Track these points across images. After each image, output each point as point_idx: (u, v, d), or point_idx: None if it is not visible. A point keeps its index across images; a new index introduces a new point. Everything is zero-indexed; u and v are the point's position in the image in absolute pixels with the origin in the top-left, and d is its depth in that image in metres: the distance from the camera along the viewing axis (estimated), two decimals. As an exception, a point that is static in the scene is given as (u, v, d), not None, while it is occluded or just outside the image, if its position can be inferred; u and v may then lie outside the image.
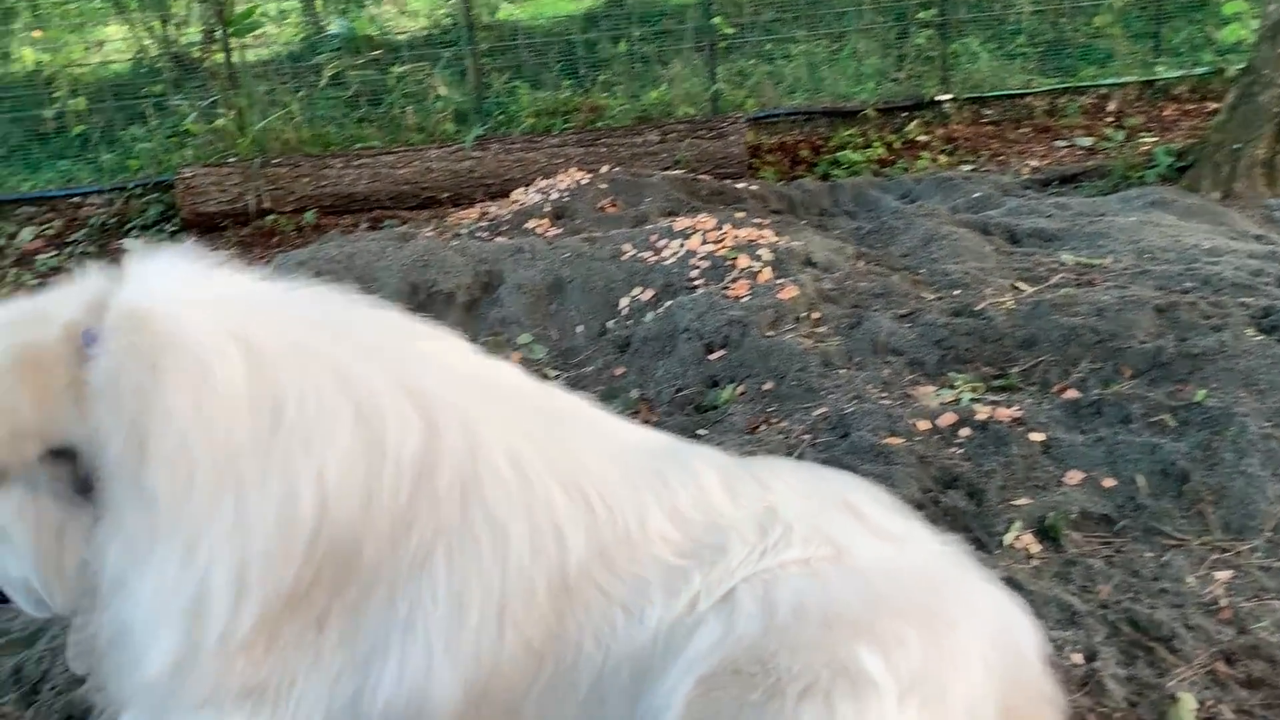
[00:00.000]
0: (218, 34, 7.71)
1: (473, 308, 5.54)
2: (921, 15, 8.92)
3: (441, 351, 2.04)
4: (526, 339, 5.26)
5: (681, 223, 5.58)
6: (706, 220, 5.54)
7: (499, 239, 6.37)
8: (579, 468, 1.94)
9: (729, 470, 2.07)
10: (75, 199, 8.17)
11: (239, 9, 7.63)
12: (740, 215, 5.77)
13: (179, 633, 1.73)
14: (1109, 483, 3.41)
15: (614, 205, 7.00)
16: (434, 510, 1.82)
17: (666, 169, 7.61)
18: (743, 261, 5.15)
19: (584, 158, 7.72)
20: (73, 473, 1.71)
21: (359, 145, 7.88)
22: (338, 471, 1.75)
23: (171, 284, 1.81)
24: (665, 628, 1.87)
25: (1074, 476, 3.46)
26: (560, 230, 6.61)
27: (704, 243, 5.37)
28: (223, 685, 1.78)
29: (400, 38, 9.08)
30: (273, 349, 1.77)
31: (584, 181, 7.13)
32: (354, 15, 8.62)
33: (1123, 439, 3.55)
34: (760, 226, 5.50)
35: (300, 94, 8.03)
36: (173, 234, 7.51)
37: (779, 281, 4.92)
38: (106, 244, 7.59)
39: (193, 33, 8.77)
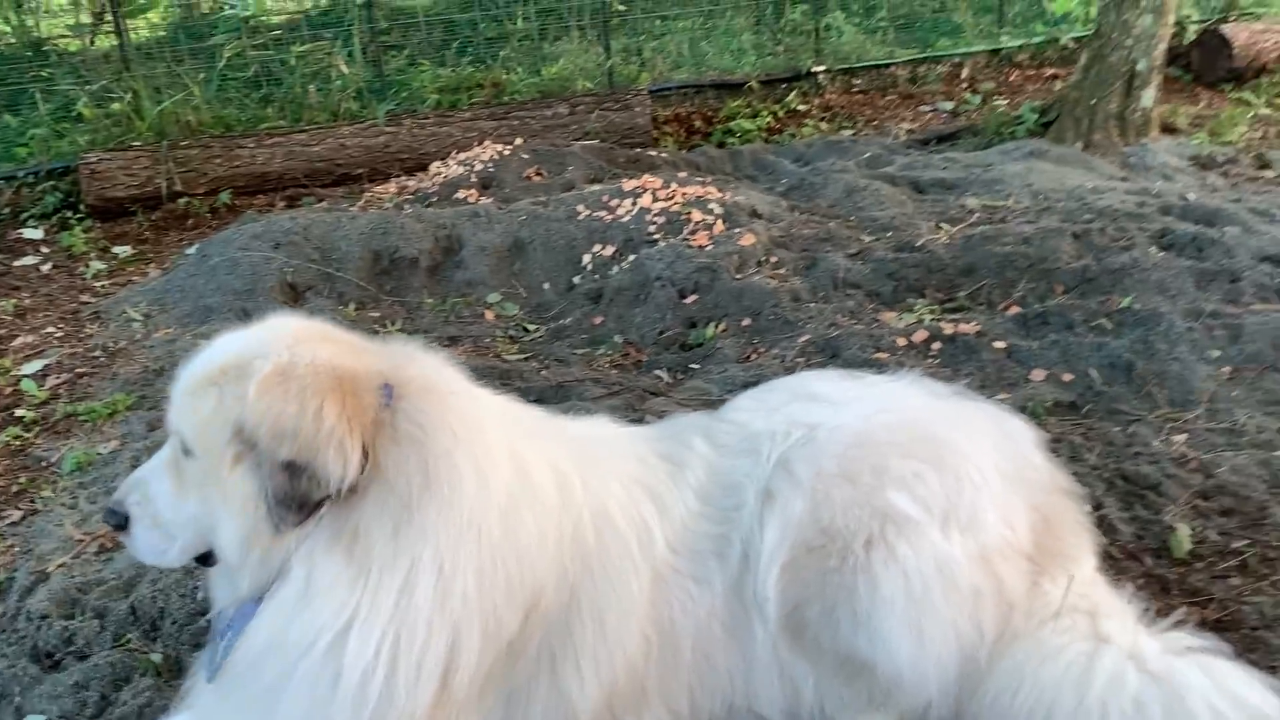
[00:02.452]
0: (108, 15, 7.48)
1: (436, 271, 5.74)
2: (796, -8, 9.57)
3: (564, 424, 2.50)
4: (496, 298, 5.51)
5: (630, 183, 5.93)
6: (654, 180, 5.92)
7: (441, 207, 6.54)
8: (646, 473, 2.38)
9: (707, 427, 2.53)
10: (-40, 189, 7.74)
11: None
12: (683, 175, 6.17)
13: (424, 679, 1.94)
14: (1068, 377, 4.01)
15: (539, 174, 7.26)
16: (580, 545, 2.21)
17: (577, 139, 7.90)
18: (696, 215, 5.55)
19: (497, 130, 7.92)
20: (290, 487, 1.89)
21: (265, 126, 7.81)
22: (548, 533, 2.14)
23: (450, 377, 2.18)
24: (732, 576, 2.30)
25: (1038, 375, 4.04)
26: (490, 199, 6.83)
27: (655, 200, 5.75)
28: None
29: (286, 18, 8.99)
30: (513, 439, 2.17)
31: (506, 152, 7.36)
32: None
33: (1072, 341, 4.17)
34: (704, 184, 5.91)
35: (200, 76, 7.87)
36: (79, 220, 7.25)
37: (736, 231, 5.36)
38: (3, 234, 7.28)
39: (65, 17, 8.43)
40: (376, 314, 5.36)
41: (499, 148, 7.49)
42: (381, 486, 1.95)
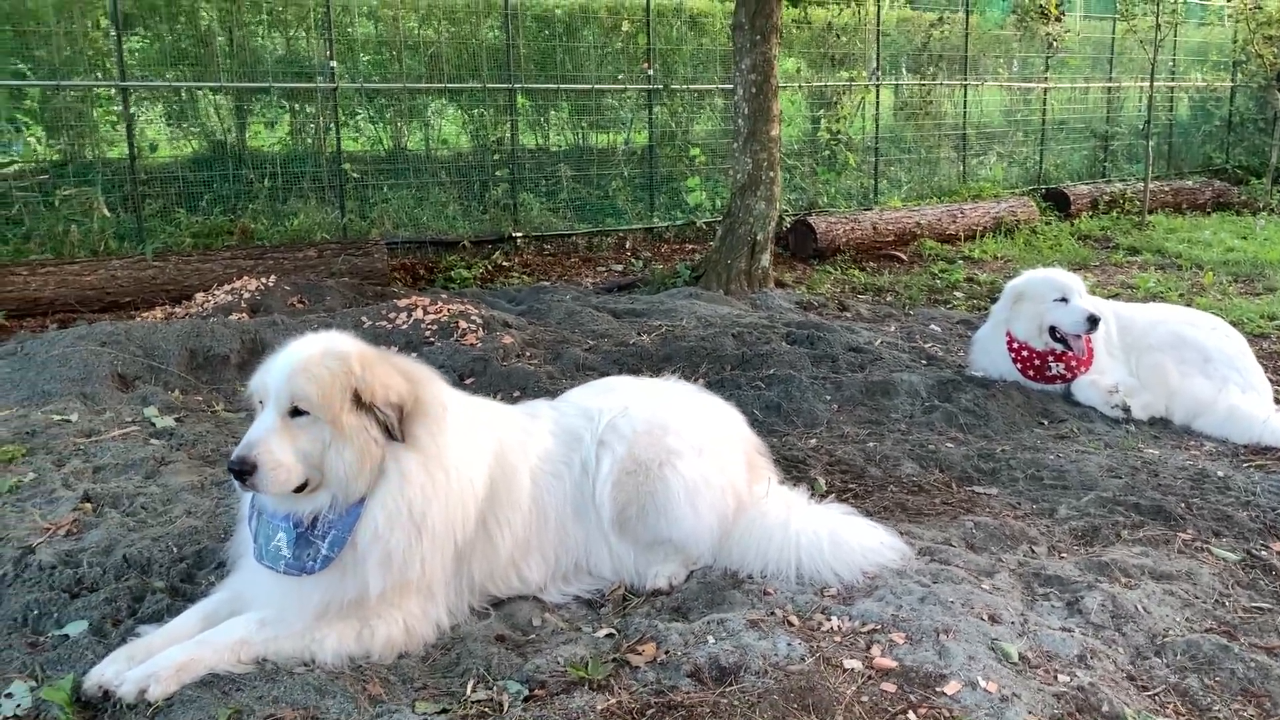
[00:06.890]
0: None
1: (245, 367, 6.89)
2: (499, 174, 11.76)
3: (474, 398, 4.10)
4: (300, 387, 6.76)
5: (404, 301, 7.49)
6: (422, 299, 7.52)
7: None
8: (519, 422, 4.06)
9: (553, 404, 4.29)
10: None
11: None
12: (445, 295, 7.82)
13: (464, 522, 3.54)
14: (744, 416, 6.06)
15: (301, 302, 8.59)
16: (495, 454, 3.80)
17: (327, 278, 9.31)
18: (462, 324, 7.22)
19: (254, 268, 9.14)
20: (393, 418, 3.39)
21: (34, 258, 8.51)
22: (486, 448, 3.74)
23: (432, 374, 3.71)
24: (575, 479, 3.99)
25: (723, 414, 6.06)
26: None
27: (426, 314, 7.35)
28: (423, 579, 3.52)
29: (50, 163, 9.72)
30: (463, 402, 3.80)
31: (270, 284, 8.63)
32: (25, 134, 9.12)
33: (741, 395, 6.26)
34: (464, 303, 7.61)
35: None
36: None
37: (496, 334, 7.09)
38: None
39: None
40: (199, 398, 6.44)
41: (261, 281, 8.73)
42: (421, 421, 3.48)
